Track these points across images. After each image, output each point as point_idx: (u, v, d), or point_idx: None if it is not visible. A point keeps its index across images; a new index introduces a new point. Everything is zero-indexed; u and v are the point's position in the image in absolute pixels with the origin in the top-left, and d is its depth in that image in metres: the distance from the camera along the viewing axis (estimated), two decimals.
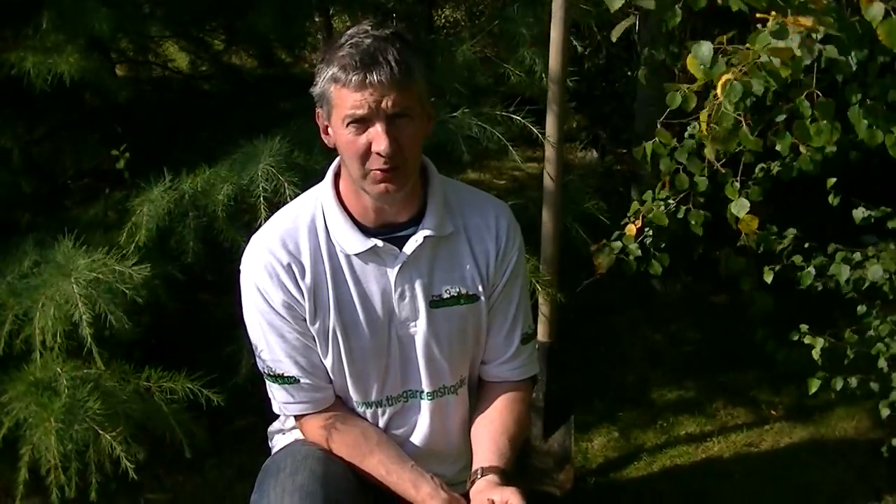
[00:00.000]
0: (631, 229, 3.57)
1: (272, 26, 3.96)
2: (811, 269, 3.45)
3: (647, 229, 3.53)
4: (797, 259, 3.45)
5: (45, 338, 2.96)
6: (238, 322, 2.41)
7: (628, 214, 3.60)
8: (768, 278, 3.40)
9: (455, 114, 3.59)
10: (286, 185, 3.10)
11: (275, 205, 2.87)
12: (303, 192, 2.41)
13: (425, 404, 2.39)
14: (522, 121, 3.64)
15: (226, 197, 3.21)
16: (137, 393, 3.11)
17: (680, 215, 3.45)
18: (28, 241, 3.43)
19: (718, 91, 2.71)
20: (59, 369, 3.03)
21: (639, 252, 3.56)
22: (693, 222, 3.42)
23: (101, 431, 2.94)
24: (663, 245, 3.54)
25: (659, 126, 3.39)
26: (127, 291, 3.00)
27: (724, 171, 3.32)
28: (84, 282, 2.98)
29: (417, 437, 2.42)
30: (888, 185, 4.33)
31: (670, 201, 3.47)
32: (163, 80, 4.55)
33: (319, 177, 2.35)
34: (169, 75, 4.63)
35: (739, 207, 3.25)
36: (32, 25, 3.57)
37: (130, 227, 3.21)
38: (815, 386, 3.47)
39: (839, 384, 3.47)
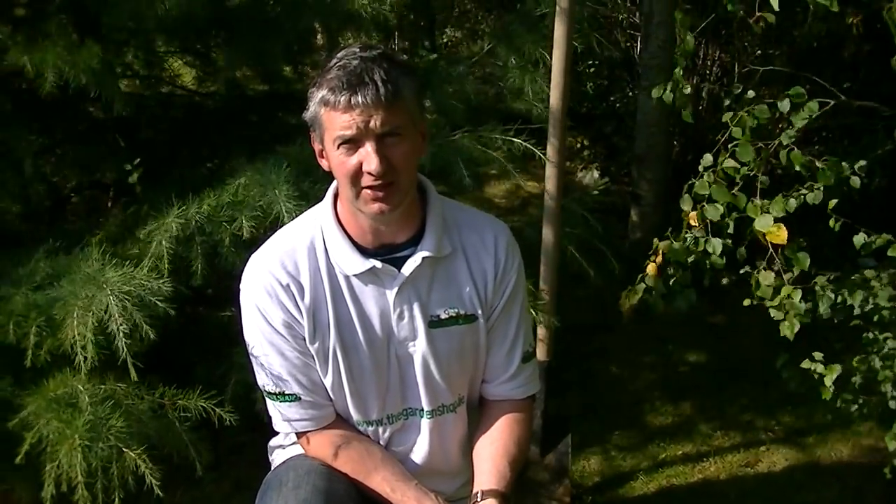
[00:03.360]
0: (652, 268, 3.55)
1: (272, 47, 3.98)
2: (829, 294, 3.44)
3: (669, 268, 3.51)
4: (820, 280, 3.44)
5: (82, 347, 2.97)
6: (235, 337, 2.42)
7: (649, 254, 3.59)
8: (796, 297, 3.36)
9: (455, 136, 3.61)
10: (287, 209, 3.13)
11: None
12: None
13: (425, 422, 2.39)
14: (523, 143, 3.66)
15: (240, 224, 3.24)
16: (152, 410, 3.13)
17: (700, 247, 3.43)
18: (38, 253, 3.44)
19: None
20: (80, 386, 3.05)
21: (665, 290, 3.55)
22: (712, 251, 3.41)
23: (125, 449, 2.96)
24: (688, 281, 3.53)
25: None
26: (160, 304, 3.02)
27: (740, 194, 3.32)
28: (120, 294, 3.00)
29: (417, 455, 2.43)
30: (889, 209, 4.36)
31: (688, 236, 3.45)
32: (167, 95, 4.57)
33: (320, 199, 2.36)
34: (174, 91, 4.65)
35: (763, 222, 3.24)
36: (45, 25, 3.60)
37: (152, 255, 3.22)
38: (827, 394, 3.44)
39: (847, 398, 3.47)
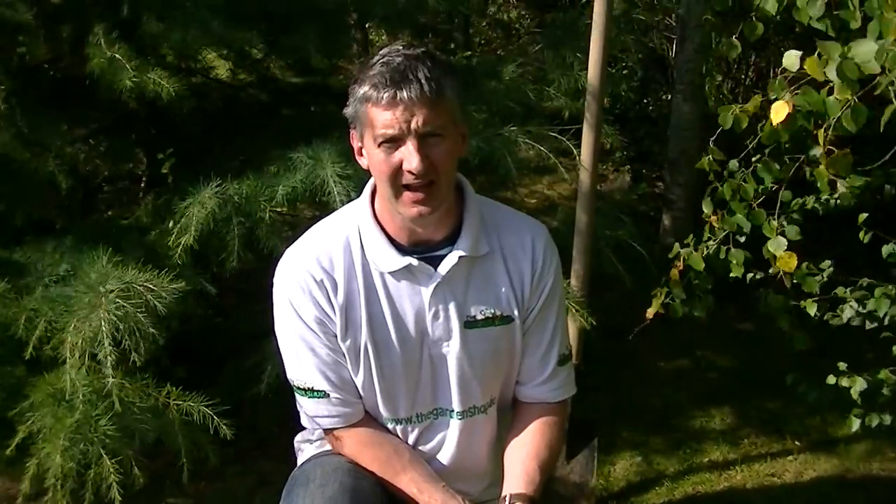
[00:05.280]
0: (674, 273, 3.55)
1: (311, 42, 3.97)
2: (852, 303, 3.41)
3: (690, 273, 3.51)
4: (840, 290, 3.41)
5: (74, 352, 2.99)
6: (265, 331, 2.42)
7: (670, 255, 3.59)
8: (811, 310, 3.35)
9: (502, 131, 3.60)
10: (336, 192, 3.13)
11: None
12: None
13: (454, 423, 2.38)
14: (565, 141, 3.65)
15: (279, 201, 3.24)
16: (155, 408, 3.13)
17: (721, 256, 3.43)
18: (64, 244, 3.45)
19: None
20: (79, 382, 3.05)
21: (684, 295, 3.54)
22: (734, 262, 3.40)
23: (103, 453, 2.97)
24: (708, 287, 3.52)
25: (711, 144, 3.39)
26: (159, 305, 3.02)
27: (759, 210, 3.31)
28: (113, 308, 3.00)
29: (445, 455, 2.41)
30: None
31: (710, 243, 3.45)
32: (202, 86, 4.57)
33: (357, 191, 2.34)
34: (208, 82, 4.65)
35: (777, 246, 3.23)
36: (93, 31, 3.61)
37: (179, 228, 3.23)
38: (855, 424, 3.42)
39: (874, 421, 3.42)
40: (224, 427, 3.11)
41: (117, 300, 3.02)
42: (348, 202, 2.43)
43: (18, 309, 3.20)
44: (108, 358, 2.94)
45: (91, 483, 3.01)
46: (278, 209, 3.29)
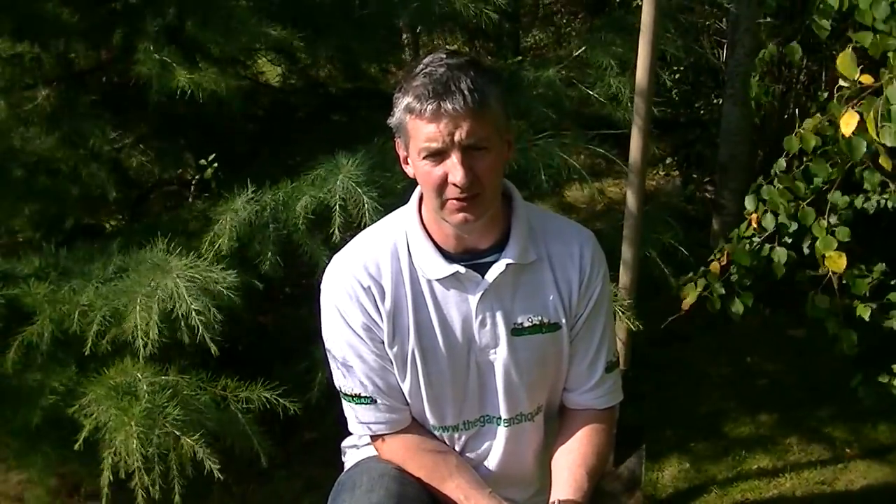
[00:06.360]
0: (715, 266, 3.52)
1: (352, 43, 3.98)
2: None
3: (732, 267, 3.48)
4: (893, 296, 3.37)
5: (144, 333, 3.01)
6: (314, 336, 2.43)
7: (714, 251, 3.56)
8: (865, 314, 3.32)
9: (538, 141, 3.58)
10: (365, 200, 3.12)
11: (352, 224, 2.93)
12: (383, 209, 2.41)
13: (501, 430, 2.38)
14: (605, 152, 3.63)
15: (304, 210, 3.25)
16: (213, 401, 3.16)
17: (764, 253, 3.40)
18: (112, 246, 3.49)
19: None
20: (138, 374, 3.09)
21: (723, 290, 3.52)
22: (776, 260, 3.37)
23: (181, 436, 2.99)
24: (748, 284, 3.49)
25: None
26: (224, 290, 3.04)
27: (808, 209, 3.28)
28: (184, 279, 3.04)
29: (492, 462, 2.41)
30: None
31: (755, 239, 3.42)
32: (251, 91, 4.60)
33: (399, 195, 2.35)
34: (257, 87, 4.68)
35: (826, 245, 3.20)
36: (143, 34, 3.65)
37: (213, 235, 3.25)
38: None
39: None
40: (290, 405, 3.14)
41: (187, 271, 3.07)
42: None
43: (70, 305, 3.24)
44: (196, 320, 2.98)
45: (175, 466, 3.04)
46: (311, 217, 3.30)
